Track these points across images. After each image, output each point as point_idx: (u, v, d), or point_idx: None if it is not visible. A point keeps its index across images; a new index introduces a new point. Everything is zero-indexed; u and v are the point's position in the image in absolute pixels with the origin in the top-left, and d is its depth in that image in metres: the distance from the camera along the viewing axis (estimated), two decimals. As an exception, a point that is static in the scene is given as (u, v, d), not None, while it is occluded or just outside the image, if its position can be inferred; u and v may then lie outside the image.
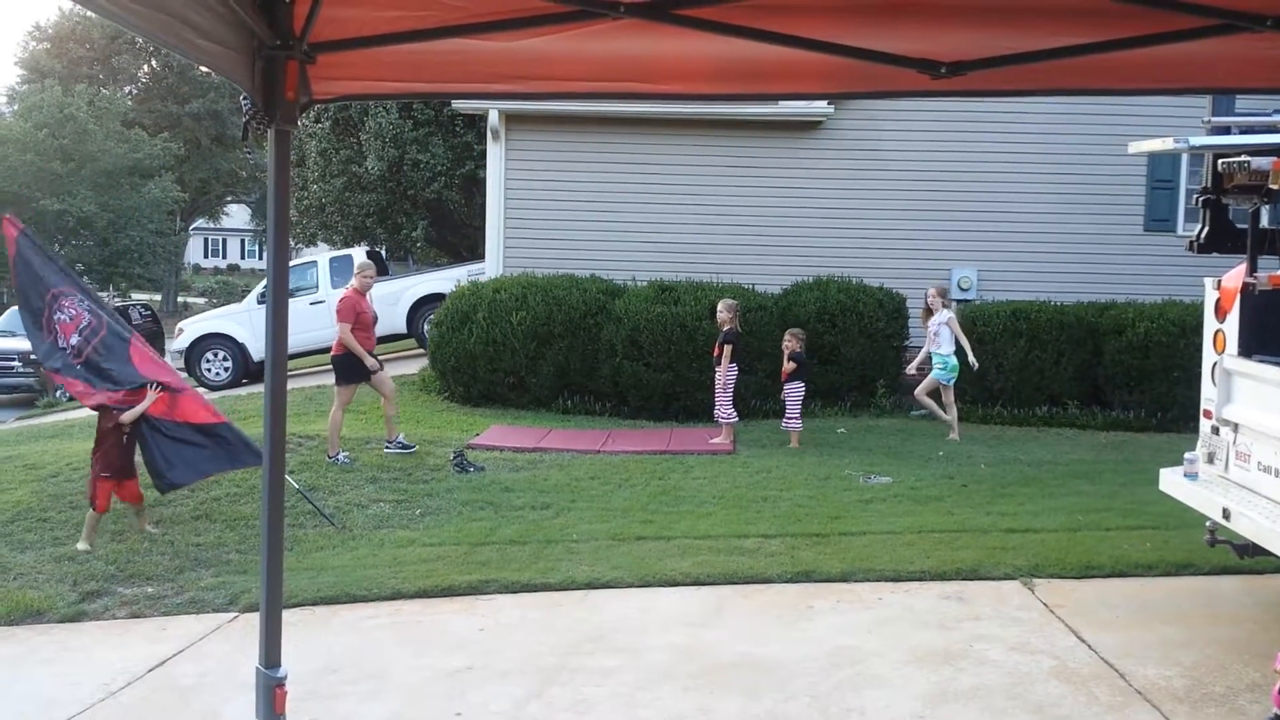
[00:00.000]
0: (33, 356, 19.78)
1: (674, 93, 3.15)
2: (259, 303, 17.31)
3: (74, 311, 7.59)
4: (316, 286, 17.33)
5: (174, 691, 5.00)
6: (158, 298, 43.48)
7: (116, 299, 28.73)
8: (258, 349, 16.80)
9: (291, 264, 18.82)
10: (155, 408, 7.34)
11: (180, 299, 47.02)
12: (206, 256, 67.14)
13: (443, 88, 3.10)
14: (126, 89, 48.26)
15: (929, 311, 11.31)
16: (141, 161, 39.99)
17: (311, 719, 4.53)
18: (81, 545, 7.19)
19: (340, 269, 17.44)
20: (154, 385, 7.39)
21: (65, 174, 37.62)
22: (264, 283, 17.92)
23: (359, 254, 18.26)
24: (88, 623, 6.00)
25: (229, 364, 17.37)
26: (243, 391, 15.18)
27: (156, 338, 24.84)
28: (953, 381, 11.22)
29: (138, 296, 37.15)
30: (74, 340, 7.52)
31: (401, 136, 21.30)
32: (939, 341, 11.10)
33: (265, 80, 2.61)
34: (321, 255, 18.58)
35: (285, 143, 2.74)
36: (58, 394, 19.70)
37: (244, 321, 17.43)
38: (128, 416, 7.32)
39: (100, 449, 7.41)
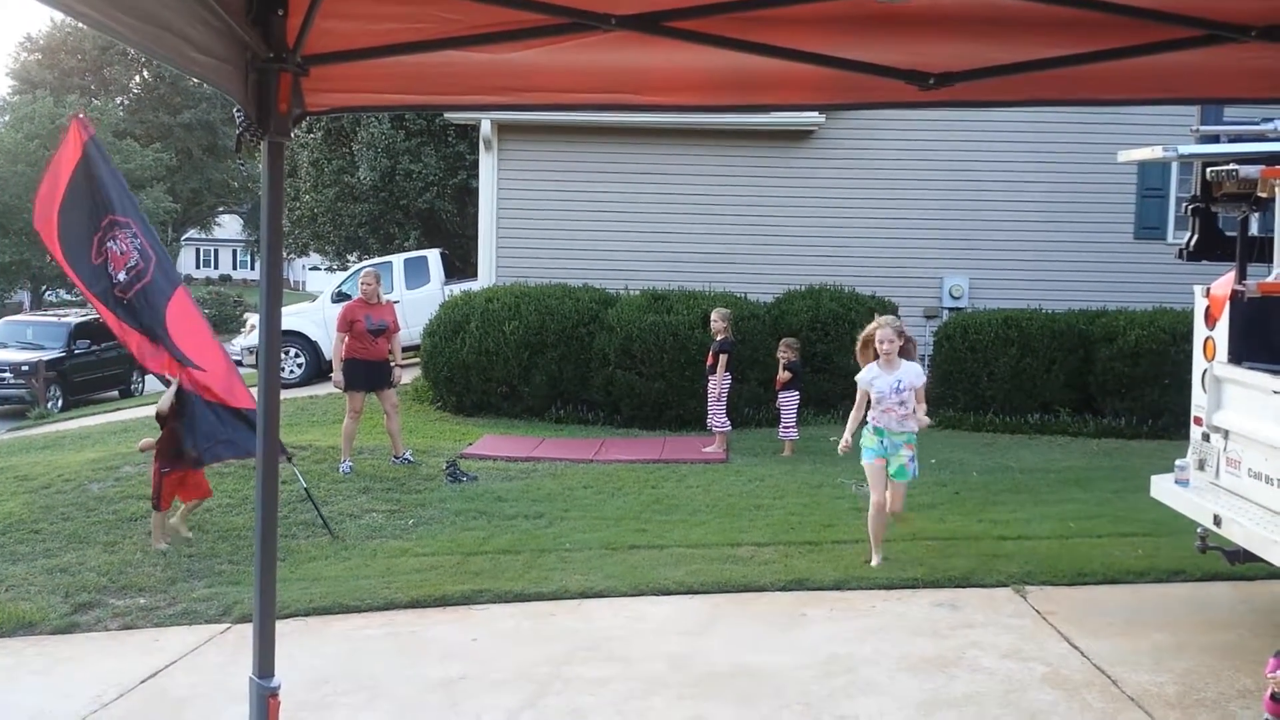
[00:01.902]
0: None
1: (665, 104, 3.16)
2: (334, 302, 17.51)
3: (125, 247, 7.26)
4: (391, 287, 17.44)
5: (167, 703, 4.98)
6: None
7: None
8: (331, 348, 16.91)
9: (366, 265, 19.03)
10: (192, 384, 7.25)
11: (172, 309, 46.89)
12: (199, 267, 67.06)
13: (435, 99, 3.11)
14: (118, 100, 48.29)
15: (867, 348, 7.15)
16: (133, 172, 39.93)
17: (305, 730, 4.52)
18: (160, 545, 7.32)
19: (414, 270, 17.85)
20: (175, 377, 7.34)
21: (57, 185, 37.52)
22: (338, 284, 18.19)
23: (434, 256, 18.53)
24: (80, 634, 5.98)
25: (301, 362, 17.30)
26: (314, 391, 15.13)
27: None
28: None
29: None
30: (121, 276, 7.25)
31: (394, 146, 21.32)
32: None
33: (258, 92, 2.62)
34: (396, 257, 18.83)
35: (279, 155, 2.75)
36: (48, 405, 19.67)
37: (318, 320, 17.39)
38: (162, 405, 7.34)
39: (162, 443, 7.41)
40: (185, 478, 7.43)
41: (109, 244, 7.24)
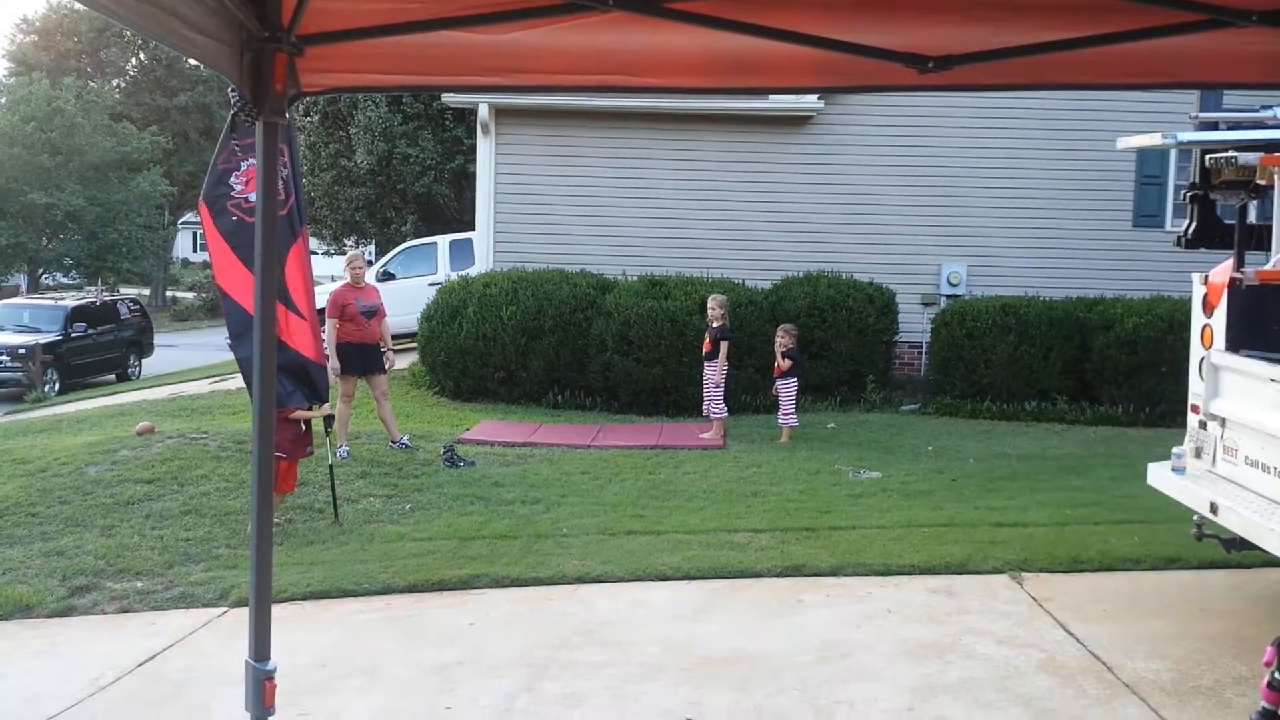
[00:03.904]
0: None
1: (663, 86, 3.15)
2: (378, 280, 17.56)
3: None
4: (436, 268, 17.37)
5: (163, 686, 4.99)
6: (146, 292, 43.32)
7: (104, 293, 28.62)
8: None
9: (411, 245, 18.98)
10: (278, 330, 7.06)
11: (169, 293, 46.84)
12: (195, 250, 66.65)
13: (431, 80, 3.08)
14: (114, 82, 48.10)
15: None
16: (129, 155, 39.85)
17: (301, 713, 4.53)
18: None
19: (459, 252, 17.79)
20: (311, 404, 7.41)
21: (53, 167, 37.47)
22: (383, 261, 18.18)
23: (479, 238, 18.47)
24: (77, 617, 5.98)
25: None
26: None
27: (145, 332, 24.80)
28: None
29: (126, 291, 37.05)
30: (254, 196, 7.08)
31: (391, 130, 21.26)
32: None
33: (253, 72, 2.60)
34: (441, 238, 18.80)
35: (273, 135, 2.73)
36: (45, 389, 19.65)
37: None
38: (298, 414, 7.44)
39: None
40: (291, 465, 7.50)
41: (249, 162, 7.05)
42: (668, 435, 10.76)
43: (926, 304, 13.59)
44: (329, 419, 8.00)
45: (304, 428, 7.64)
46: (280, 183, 7.11)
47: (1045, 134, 13.49)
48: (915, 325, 13.41)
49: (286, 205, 7.20)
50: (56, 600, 6.13)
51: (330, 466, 7.99)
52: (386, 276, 17.70)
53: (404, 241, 23.71)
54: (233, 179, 7.08)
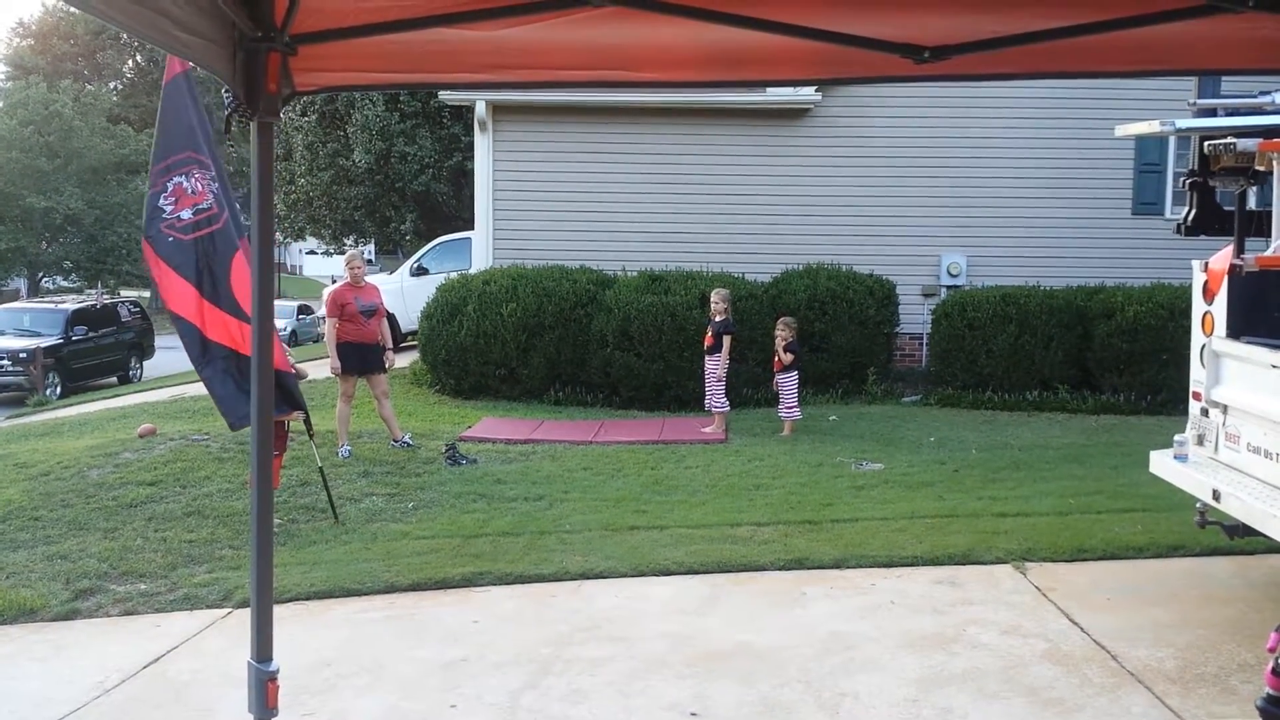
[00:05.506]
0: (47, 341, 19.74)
1: (659, 80, 3.14)
2: (411, 275, 17.63)
3: (200, 187, 6.94)
4: (470, 263, 17.41)
5: (168, 688, 4.99)
6: (146, 294, 43.29)
7: (105, 296, 28.61)
8: (407, 320, 17.05)
9: (445, 240, 18.98)
10: (233, 343, 6.92)
11: (169, 295, 46.76)
12: (195, 252, 66.79)
13: (426, 78, 3.08)
14: (111, 85, 48.14)
15: None
16: (128, 157, 39.89)
17: (306, 713, 4.53)
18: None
19: None
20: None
21: (51, 171, 37.49)
22: (416, 257, 18.24)
23: (477, 236, 18.50)
24: (81, 621, 5.98)
25: None
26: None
27: (146, 334, 24.81)
28: None
29: (126, 293, 37.04)
30: (185, 214, 6.92)
31: (389, 129, 21.25)
32: None
33: (246, 72, 2.60)
34: (475, 234, 18.77)
35: (268, 135, 2.73)
36: (47, 392, 19.66)
37: (395, 293, 17.28)
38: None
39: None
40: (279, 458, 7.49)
41: (179, 179, 6.97)
42: (670, 430, 10.75)
43: (927, 295, 13.58)
44: (308, 421, 7.89)
45: (284, 426, 7.63)
46: (211, 196, 7.09)
47: (1043, 123, 13.47)
48: (916, 316, 13.41)
49: (221, 219, 7.09)
50: (60, 604, 6.13)
51: (320, 468, 7.97)
52: (420, 271, 17.77)
53: (402, 240, 23.72)
54: (161, 200, 7.02)
